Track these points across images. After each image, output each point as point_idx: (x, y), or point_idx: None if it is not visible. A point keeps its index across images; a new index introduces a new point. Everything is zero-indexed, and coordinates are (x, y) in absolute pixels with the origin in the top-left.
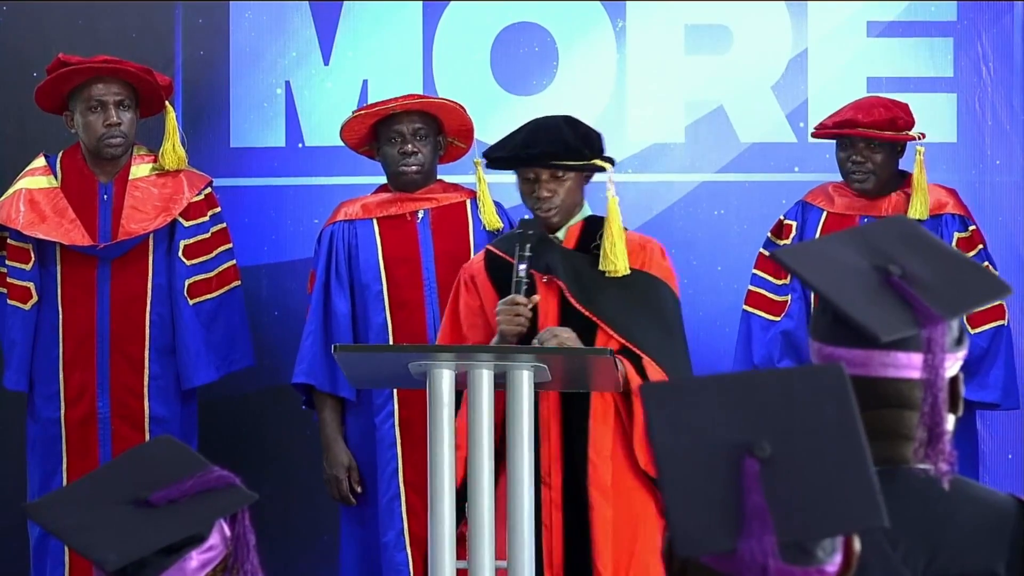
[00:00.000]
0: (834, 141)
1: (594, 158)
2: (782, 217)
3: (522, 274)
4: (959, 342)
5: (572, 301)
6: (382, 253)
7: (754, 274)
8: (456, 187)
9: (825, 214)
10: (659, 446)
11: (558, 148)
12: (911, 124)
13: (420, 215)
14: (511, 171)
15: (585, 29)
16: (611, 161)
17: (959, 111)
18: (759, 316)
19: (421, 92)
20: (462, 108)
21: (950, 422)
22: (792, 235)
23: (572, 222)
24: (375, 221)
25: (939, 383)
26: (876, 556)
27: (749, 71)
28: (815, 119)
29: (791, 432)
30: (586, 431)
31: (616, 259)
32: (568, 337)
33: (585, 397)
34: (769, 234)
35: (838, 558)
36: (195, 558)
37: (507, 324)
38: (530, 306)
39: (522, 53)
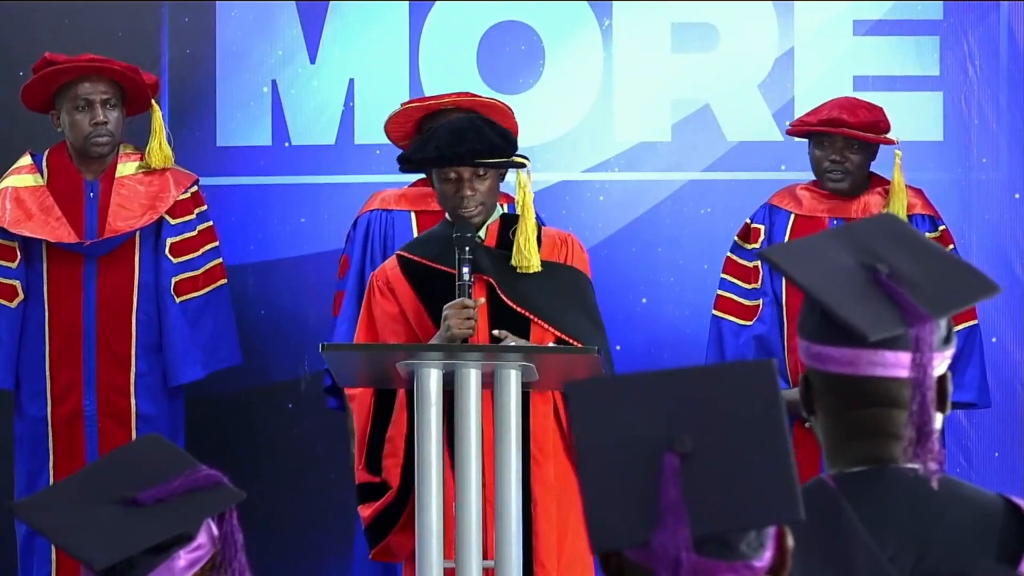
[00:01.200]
0: (806, 139)
1: (512, 154)
2: (748, 220)
3: (466, 277)
4: (947, 341)
5: (504, 298)
6: None
7: (723, 279)
8: None
9: (793, 216)
10: (580, 443)
11: (484, 146)
12: (889, 127)
13: None
14: (421, 173)
15: (571, 28)
16: (526, 159)
17: (945, 109)
18: (729, 321)
19: (408, 91)
20: (509, 110)
21: (938, 421)
22: (760, 239)
23: (490, 221)
24: (412, 213)
25: (927, 382)
26: (864, 556)
27: (736, 70)
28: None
29: (715, 427)
30: (528, 430)
31: (529, 255)
32: (514, 338)
33: (526, 397)
34: (736, 238)
35: (767, 554)
36: (183, 557)
37: (458, 327)
38: (477, 308)
39: (508, 52)
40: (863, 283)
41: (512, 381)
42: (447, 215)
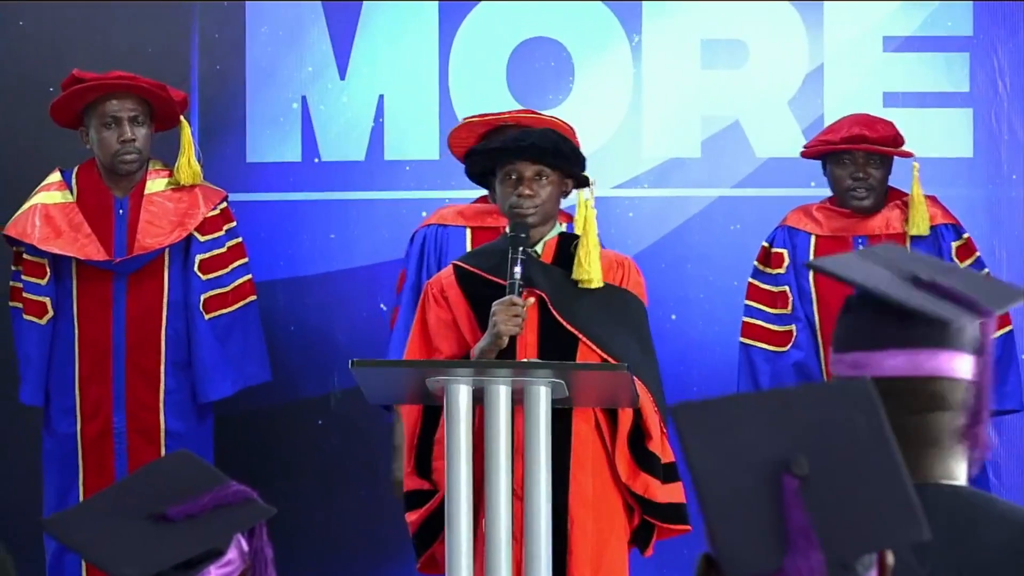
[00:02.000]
0: (817, 160)
1: (578, 167)
2: (766, 244)
3: (517, 276)
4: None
5: (554, 313)
6: None
7: (748, 305)
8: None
9: (814, 238)
10: (698, 468)
11: (548, 145)
12: (904, 140)
13: None
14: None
15: (601, 44)
16: (590, 179)
17: (975, 126)
18: (759, 348)
19: (437, 107)
20: (571, 128)
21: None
22: (786, 263)
23: (548, 237)
24: (468, 229)
25: (988, 375)
26: (904, 572)
27: (765, 86)
28: None
29: (826, 448)
30: (569, 446)
31: (590, 269)
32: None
33: (568, 414)
34: (756, 263)
35: (874, 572)
36: (213, 572)
37: (504, 324)
38: (526, 307)
39: (538, 68)
40: (915, 287)
41: (542, 398)
42: (507, 228)
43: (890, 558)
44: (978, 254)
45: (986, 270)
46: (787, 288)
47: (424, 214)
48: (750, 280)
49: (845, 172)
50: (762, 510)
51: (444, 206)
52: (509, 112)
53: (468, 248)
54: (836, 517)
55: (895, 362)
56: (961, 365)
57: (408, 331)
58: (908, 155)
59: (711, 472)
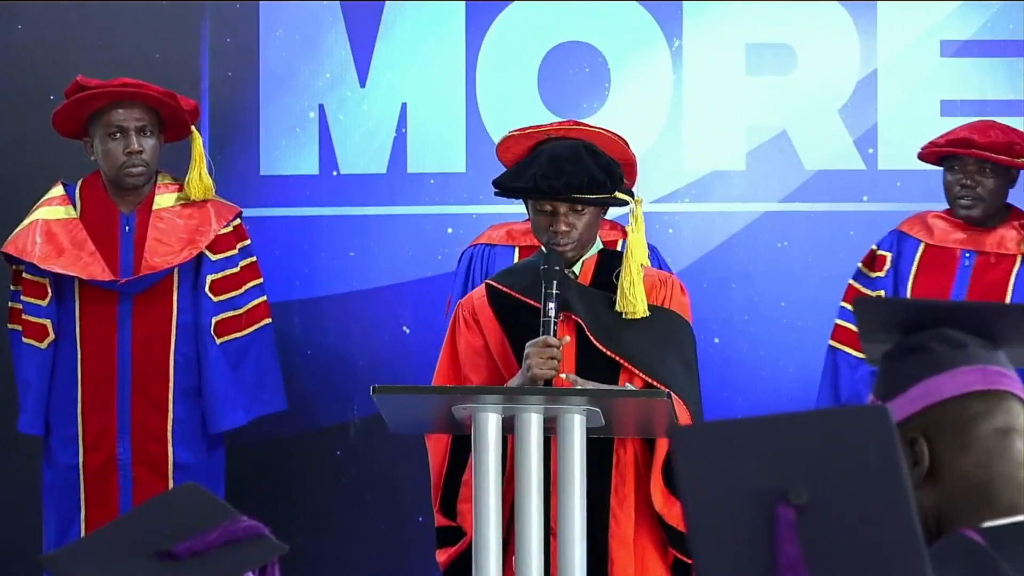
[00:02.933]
0: (939, 166)
1: (615, 190)
2: (874, 247)
3: (551, 314)
4: None
5: (593, 340)
6: None
7: (842, 307)
8: (611, 224)
9: (923, 246)
10: (688, 494)
11: (581, 180)
12: None
13: None
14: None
15: (639, 48)
16: (631, 194)
17: None
18: (846, 352)
19: (464, 116)
20: (623, 141)
21: None
22: (887, 267)
23: (586, 256)
24: (516, 249)
25: None
26: None
27: (814, 93)
28: (885, 144)
29: (830, 478)
30: (609, 480)
31: (635, 300)
32: (583, 381)
33: (608, 445)
34: (860, 264)
35: None
36: None
37: (540, 368)
38: (561, 347)
39: (571, 74)
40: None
41: (576, 427)
42: (542, 247)
43: None
44: None
45: None
46: (882, 293)
47: (449, 230)
48: (850, 281)
49: (955, 178)
50: (751, 540)
51: (499, 224)
52: (554, 124)
53: None
54: (832, 552)
55: (969, 378)
56: (1019, 384)
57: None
58: (1020, 166)
59: (701, 500)
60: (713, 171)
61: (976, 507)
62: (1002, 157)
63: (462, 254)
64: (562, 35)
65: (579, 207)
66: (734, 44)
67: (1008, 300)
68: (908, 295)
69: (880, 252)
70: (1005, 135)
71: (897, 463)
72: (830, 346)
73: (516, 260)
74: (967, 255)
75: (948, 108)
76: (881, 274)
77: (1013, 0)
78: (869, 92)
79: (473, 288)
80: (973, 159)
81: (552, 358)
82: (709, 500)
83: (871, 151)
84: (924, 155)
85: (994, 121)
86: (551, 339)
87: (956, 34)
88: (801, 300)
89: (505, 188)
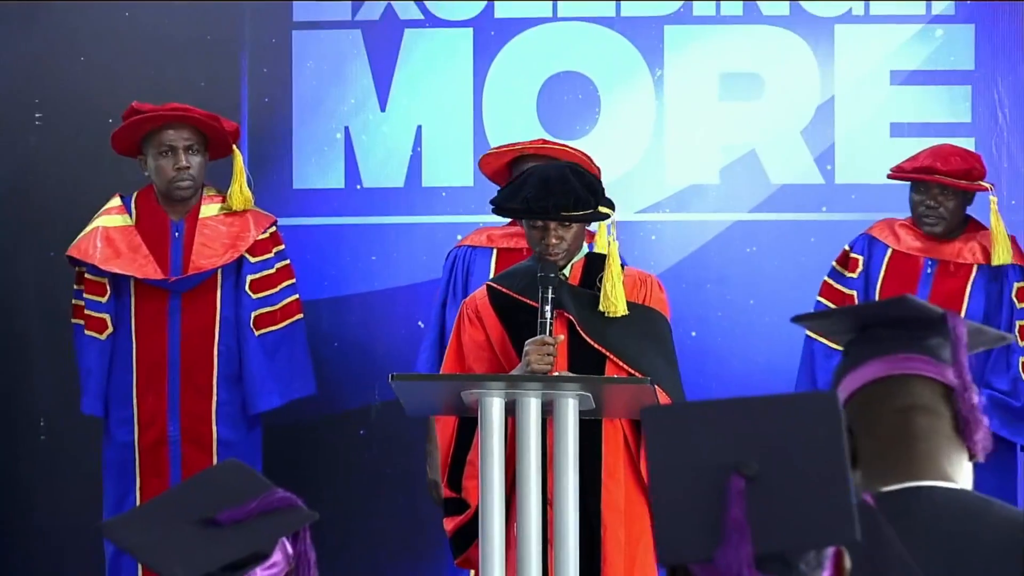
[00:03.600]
0: (908, 183)
1: (599, 205)
2: (847, 248)
3: (548, 316)
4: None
5: (583, 334)
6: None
7: (818, 301)
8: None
9: (890, 252)
10: (652, 463)
11: (569, 201)
12: (984, 174)
13: None
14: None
15: (625, 78)
16: (612, 207)
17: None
18: (822, 343)
19: (472, 137)
20: (588, 158)
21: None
22: (859, 270)
23: (575, 259)
24: (494, 251)
25: (966, 381)
26: (900, 571)
27: (780, 117)
28: (842, 162)
29: (779, 453)
30: (599, 456)
31: (616, 301)
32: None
33: (597, 424)
34: (835, 263)
35: (825, 574)
36: (259, 574)
37: (538, 363)
38: (556, 345)
39: (566, 100)
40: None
41: (570, 410)
42: (538, 268)
43: (847, 561)
44: None
45: None
46: (855, 293)
47: (459, 237)
48: (825, 279)
49: (920, 199)
50: (704, 505)
51: (477, 229)
52: (524, 143)
53: (492, 267)
54: (773, 515)
55: (873, 368)
56: (935, 369)
57: (433, 347)
58: (981, 188)
59: (664, 468)
60: (690, 185)
61: (879, 478)
62: (962, 183)
63: (448, 254)
64: (558, 65)
65: (566, 223)
66: (709, 73)
67: (965, 305)
68: (876, 296)
69: (853, 254)
70: (965, 162)
71: (839, 441)
72: (807, 337)
73: (493, 261)
74: (929, 263)
75: (897, 130)
76: (854, 275)
77: (955, 28)
78: (827, 116)
79: (455, 285)
80: (937, 184)
81: (548, 354)
82: (670, 469)
83: (829, 167)
84: (895, 176)
85: (954, 146)
86: (548, 338)
87: (904, 64)
88: (768, 299)
89: (502, 208)
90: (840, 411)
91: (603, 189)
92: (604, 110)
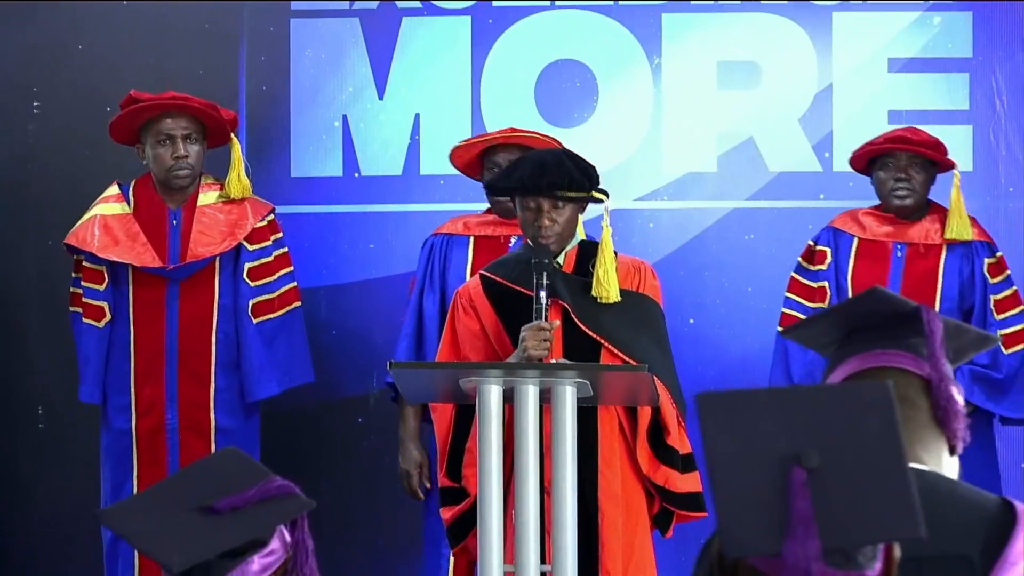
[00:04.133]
0: (865, 174)
1: (592, 190)
2: (811, 242)
3: (543, 301)
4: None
5: (577, 322)
6: (472, 267)
7: (787, 297)
8: None
9: (857, 240)
10: (713, 453)
11: (562, 179)
12: (947, 153)
13: (513, 240)
14: (506, 197)
15: (623, 66)
16: (606, 194)
17: (974, 141)
18: None
19: (470, 125)
20: (558, 143)
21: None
22: (828, 261)
23: (568, 247)
24: (471, 238)
25: (940, 372)
26: None
27: (777, 105)
28: (840, 150)
29: (838, 444)
30: (596, 443)
31: (608, 287)
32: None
33: (593, 412)
34: (800, 259)
35: (878, 565)
36: (257, 562)
37: (535, 349)
38: (552, 330)
39: (564, 88)
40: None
41: (568, 397)
42: (528, 241)
43: (897, 552)
44: (1008, 272)
45: (1014, 288)
46: (826, 284)
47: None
48: (793, 275)
49: (888, 175)
50: (768, 498)
51: (458, 216)
52: (497, 133)
53: (470, 255)
54: (839, 509)
55: (853, 364)
56: (912, 362)
57: (411, 335)
58: (951, 164)
59: (725, 458)
60: (688, 173)
61: None
62: (932, 153)
63: (424, 243)
64: (556, 53)
65: (560, 205)
66: (707, 61)
67: (939, 285)
68: (848, 285)
69: (819, 247)
70: (931, 138)
71: (896, 432)
72: (779, 333)
73: (470, 248)
74: (899, 247)
75: (895, 118)
76: (823, 267)
77: (954, 16)
78: (825, 104)
79: (431, 273)
80: (906, 155)
81: (545, 340)
82: (731, 459)
83: (827, 155)
84: (856, 158)
85: (917, 127)
86: (543, 323)
87: (902, 52)
88: (765, 286)
89: (495, 188)
90: (894, 402)
91: (598, 176)
92: (602, 98)
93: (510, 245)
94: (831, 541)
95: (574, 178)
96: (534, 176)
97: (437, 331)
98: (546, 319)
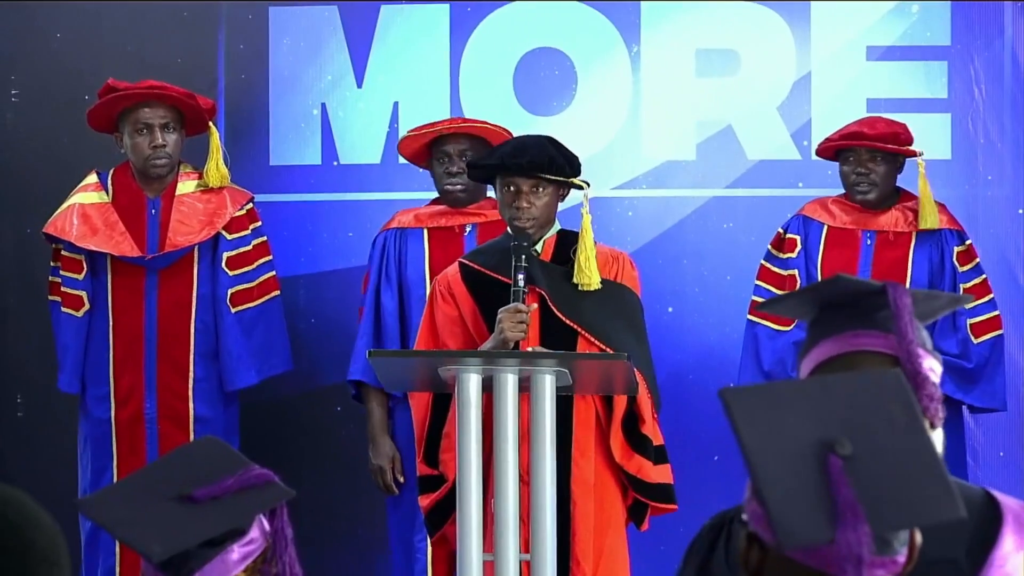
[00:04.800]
0: (835, 161)
1: (573, 176)
2: (781, 230)
3: (520, 284)
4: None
5: (554, 310)
6: (429, 260)
7: (757, 285)
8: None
9: (827, 228)
10: (749, 447)
11: (543, 160)
12: (911, 140)
13: (468, 229)
14: (485, 182)
15: (602, 54)
16: (586, 183)
17: (953, 130)
18: (764, 326)
19: (448, 114)
20: (508, 133)
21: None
22: (797, 249)
23: (547, 235)
24: (425, 231)
25: (908, 349)
26: None
27: (756, 92)
28: (818, 138)
29: (865, 432)
30: (570, 433)
31: (589, 273)
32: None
33: (568, 401)
34: (770, 247)
35: (905, 548)
36: (236, 551)
37: (511, 331)
38: (529, 313)
39: (543, 76)
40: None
41: (547, 385)
42: (508, 228)
43: (918, 537)
44: (978, 260)
45: (983, 276)
46: (796, 272)
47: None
48: (762, 262)
49: (850, 168)
50: (814, 486)
51: (401, 211)
52: (443, 123)
53: (426, 249)
54: (879, 495)
55: (825, 348)
56: (883, 342)
57: (370, 332)
58: (909, 153)
59: (762, 453)
60: (667, 161)
61: None
62: (890, 146)
63: (375, 239)
64: (535, 41)
65: (538, 188)
66: (685, 49)
67: (909, 272)
68: (818, 273)
69: (789, 235)
70: (890, 127)
71: (918, 417)
72: (749, 320)
73: (426, 240)
74: (868, 235)
75: (873, 106)
76: (793, 255)
77: (932, 4)
78: (804, 92)
79: (387, 269)
80: (865, 149)
81: (521, 322)
82: (770, 452)
83: (805, 143)
84: (821, 151)
85: (880, 116)
86: (521, 306)
87: (880, 40)
88: (744, 274)
89: (477, 166)
90: (908, 388)
91: (580, 165)
92: (581, 86)
93: (464, 235)
94: (879, 526)
95: (555, 161)
96: (515, 155)
97: (397, 325)
98: (523, 302)
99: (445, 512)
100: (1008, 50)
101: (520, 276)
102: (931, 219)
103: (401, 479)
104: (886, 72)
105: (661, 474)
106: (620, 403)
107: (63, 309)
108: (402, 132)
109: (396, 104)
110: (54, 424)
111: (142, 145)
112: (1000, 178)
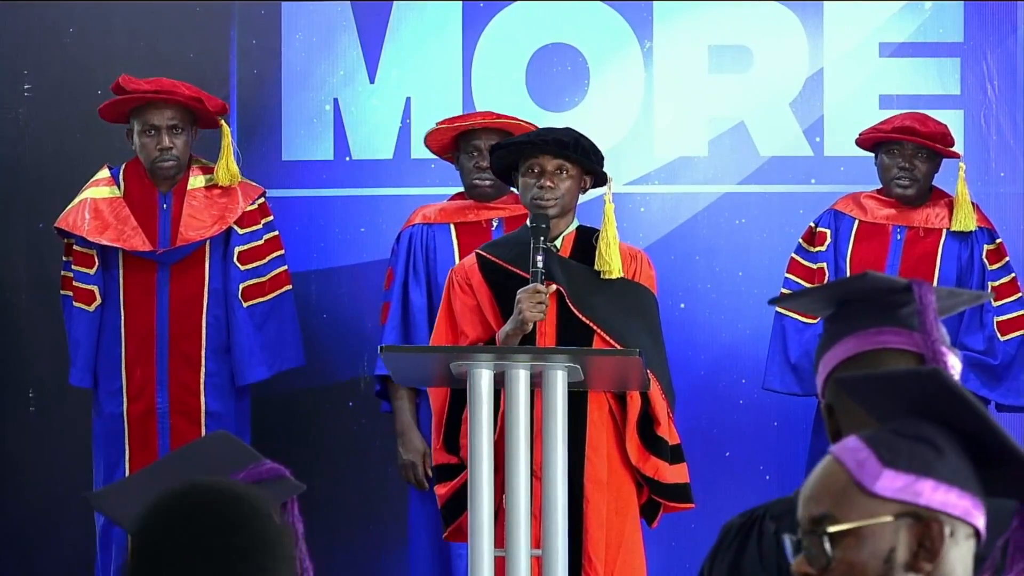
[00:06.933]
0: (871, 152)
1: (597, 164)
2: (813, 224)
3: (540, 265)
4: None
5: (571, 306)
6: (459, 255)
7: (787, 278)
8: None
9: (857, 223)
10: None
11: (569, 140)
12: (954, 143)
13: (495, 223)
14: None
15: (614, 50)
16: (608, 176)
17: (966, 126)
18: (792, 318)
19: (461, 109)
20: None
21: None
22: (827, 242)
23: (566, 231)
24: (452, 226)
25: (932, 347)
26: None
27: (768, 89)
28: (830, 134)
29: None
30: (584, 429)
31: (611, 259)
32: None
33: (583, 398)
34: (801, 240)
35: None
36: None
37: (529, 311)
38: (548, 294)
39: (556, 72)
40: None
41: (559, 381)
42: (528, 220)
43: None
44: (1007, 259)
45: (1012, 275)
46: (825, 265)
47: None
48: (792, 255)
49: (893, 162)
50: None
51: (425, 205)
52: (475, 116)
53: (455, 244)
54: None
55: (847, 345)
56: (906, 339)
57: (399, 327)
58: (955, 155)
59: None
60: (679, 157)
61: None
62: (938, 146)
63: (400, 235)
64: (548, 37)
65: (562, 171)
66: (698, 46)
67: (937, 269)
68: (847, 267)
69: (820, 229)
70: (939, 127)
71: (975, 404)
72: (777, 312)
73: (453, 235)
74: (898, 230)
75: (886, 102)
76: (822, 248)
77: (945, 3)
78: (816, 88)
79: (415, 264)
80: (912, 145)
81: (541, 303)
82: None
83: (818, 140)
84: (862, 140)
85: (925, 113)
86: (540, 286)
87: (893, 36)
88: (756, 271)
89: (501, 146)
90: (950, 378)
91: (603, 157)
92: (593, 82)
93: (492, 229)
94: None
95: (580, 143)
96: (540, 135)
97: (427, 322)
98: (542, 282)
99: (462, 502)
100: (1021, 47)
101: (539, 258)
102: (967, 222)
103: (431, 474)
104: (898, 69)
105: (677, 474)
106: (634, 405)
107: (75, 304)
108: (414, 128)
109: (408, 100)
110: (66, 419)
111: (149, 146)
112: (1012, 174)
